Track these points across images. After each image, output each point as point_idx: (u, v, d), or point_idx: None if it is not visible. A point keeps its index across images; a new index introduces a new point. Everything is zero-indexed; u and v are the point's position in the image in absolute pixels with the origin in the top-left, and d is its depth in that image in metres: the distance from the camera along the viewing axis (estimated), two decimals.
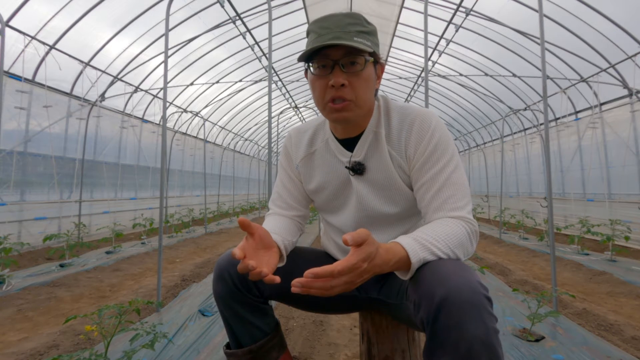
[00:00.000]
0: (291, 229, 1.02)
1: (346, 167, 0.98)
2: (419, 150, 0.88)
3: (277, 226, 0.99)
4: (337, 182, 1.01)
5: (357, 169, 0.96)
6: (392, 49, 8.00)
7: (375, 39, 0.89)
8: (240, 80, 8.02)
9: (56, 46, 4.62)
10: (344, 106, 0.84)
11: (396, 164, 0.93)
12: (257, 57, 7.29)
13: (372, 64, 0.87)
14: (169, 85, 6.75)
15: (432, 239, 0.73)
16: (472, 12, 5.23)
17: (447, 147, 0.87)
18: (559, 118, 6.98)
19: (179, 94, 7.52)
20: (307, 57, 0.85)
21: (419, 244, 0.72)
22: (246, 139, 12.59)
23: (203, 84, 7.26)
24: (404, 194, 0.94)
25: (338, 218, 1.05)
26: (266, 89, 5.84)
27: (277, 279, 0.69)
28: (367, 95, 0.87)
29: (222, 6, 4.81)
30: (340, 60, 0.82)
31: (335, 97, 0.84)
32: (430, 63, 7.58)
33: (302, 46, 7.54)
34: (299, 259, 1.03)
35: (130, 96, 6.50)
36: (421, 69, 8.37)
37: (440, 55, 7.06)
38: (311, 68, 0.87)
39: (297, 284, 0.61)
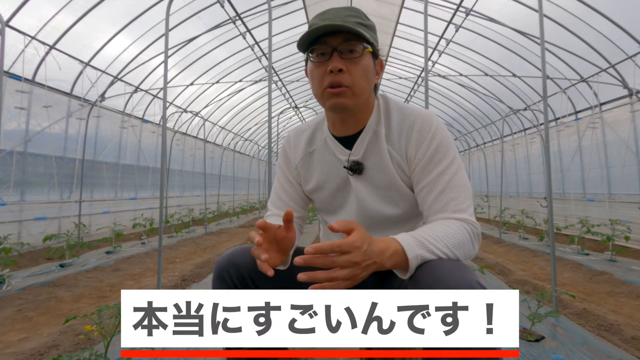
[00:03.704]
0: None
1: (344, 166, 0.97)
2: (419, 152, 0.88)
3: None
4: (336, 182, 1.00)
5: (356, 169, 0.95)
6: (392, 49, 8.00)
7: (374, 34, 0.90)
8: (240, 80, 8.02)
9: (56, 46, 4.62)
10: (341, 91, 0.84)
11: (395, 163, 0.92)
12: (257, 57, 7.29)
13: (371, 55, 0.88)
14: (169, 85, 6.74)
15: (430, 237, 0.73)
16: (472, 12, 5.23)
17: (448, 149, 0.86)
18: (559, 118, 6.97)
19: (179, 94, 7.52)
20: (307, 45, 0.86)
21: (416, 240, 0.72)
22: (246, 139, 12.59)
23: (203, 84, 7.26)
24: (405, 195, 0.94)
25: (337, 219, 1.04)
26: (266, 89, 5.83)
27: (271, 271, 0.70)
28: (364, 83, 0.87)
29: (222, 6, 4.81)
30: (338, 46, 0.83)
31: (333, 82, 0.84)
32: (430, 63, 7.58)
33: None
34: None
35: (130, 96, 6.50)
36: (421, 69, 8.37)
37: (440, 55, 7.06)
38: (311, 57, 0.88)
39: (299, 259, 0.62)
